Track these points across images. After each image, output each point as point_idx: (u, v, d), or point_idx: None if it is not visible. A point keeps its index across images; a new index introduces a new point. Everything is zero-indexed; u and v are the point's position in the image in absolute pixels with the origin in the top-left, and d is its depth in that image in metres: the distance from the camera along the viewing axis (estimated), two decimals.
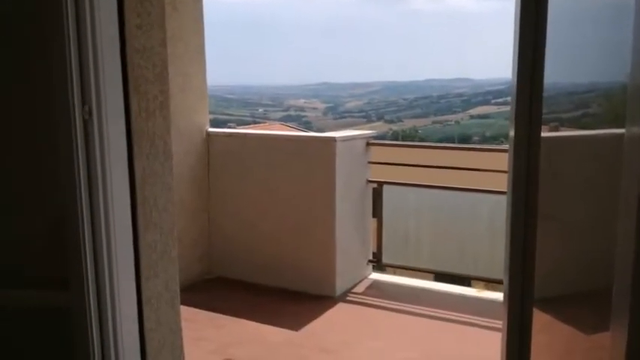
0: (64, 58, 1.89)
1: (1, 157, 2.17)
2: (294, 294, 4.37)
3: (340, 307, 4.23)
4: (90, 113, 1.95)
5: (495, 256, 3.95)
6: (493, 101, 36.99)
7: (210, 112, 4.98)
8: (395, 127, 35.00)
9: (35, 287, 2.05)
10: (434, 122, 37.72)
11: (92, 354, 1.93)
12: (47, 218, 2.17)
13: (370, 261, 4.86)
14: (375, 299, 4.38)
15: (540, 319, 2.05)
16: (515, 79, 1.85)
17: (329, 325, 3.92)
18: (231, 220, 4.80)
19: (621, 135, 1.23)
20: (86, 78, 1.94)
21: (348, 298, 4.41)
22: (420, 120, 37.48)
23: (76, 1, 1.88)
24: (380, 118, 37.90)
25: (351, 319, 4.10)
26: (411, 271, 4.92)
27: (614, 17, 1.46)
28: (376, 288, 4.63)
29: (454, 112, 38.49)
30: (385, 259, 4.83)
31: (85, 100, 1.95)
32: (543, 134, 1.84)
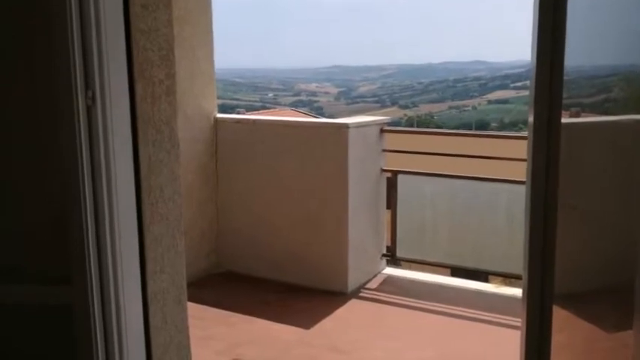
0: (67, 40, 1.86)
1: (0, 146, 2.15)
2: (304, 290, 4.36)
3: (353, 304, 4.22)
4: (93, 99, 1.93)
5: (514, 250, 3.91)
6: (512, 85, 36.68)
7: (218, 97, 4.95)
8: (410, 112, 34.84)
9: (36, 283, 2.04)
10: (450, 107, 37.51)
11: (95, 353, 1.92)
12: (48, 210, 2.15)
13: (384, 255, 4.83)
14: (389, 295, 4.36)
15: (561, 317, 2.03)
16: (535, 62, 1.81)
17: (341, 323, 3.90)
18: (239, 212, 4.79)
19: None
20: (89, 61, 1.91)
21: (361, 294, 4.39)
22: (435, 105, 37.28)
23: None
24: (394, 103, 37.74)
25: (364, 317, 4.08)
26: (426, 266, 4.89)
27: None
28: (390, 284, 4.60)
29: (471, 97, 38.24)
30: (399, 253, 4.80)
31: (88, 85, 1.92)
32: (564, 120, 1.81)
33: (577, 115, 1.91)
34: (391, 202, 4.84)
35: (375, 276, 4.70)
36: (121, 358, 1.95)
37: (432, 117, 34.66)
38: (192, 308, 2.43)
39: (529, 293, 1.97)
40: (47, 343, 2.12)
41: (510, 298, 4.12)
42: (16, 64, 2.12)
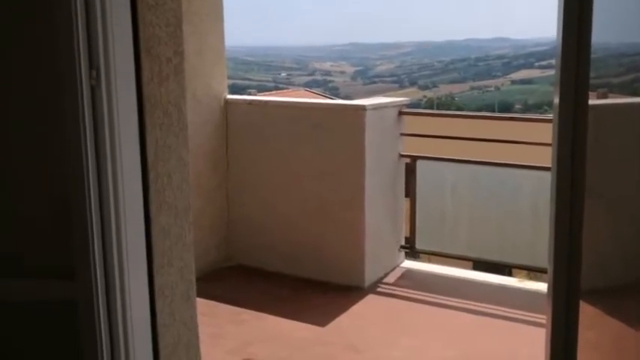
0: (70, 14, 1.81)
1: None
2: (319, 284, 4.31)
3: (370, 300, 4.18)
4: (98, 79, 1.89)
5: (539, 242, 3.86)
6: (536, 64, 36.22)
7: (228, 77, 4.91)
8: (429, 93, 34.56)
9: (37, 277, 2.02)
10: (472, 88, 37.16)
11: (100, 352, 1.90)
12: (50, 199, 2.12)
13: (402, 247, 4.79)
14: (409, 290, 4.32)
15: (589, 313, 1.99)
16: (560, 39, 1.75)
17: (358, 320, 3.87)
18: (251, 200, 4.74)
19: None
20: (94, 37, 1.87)
21: (378, 289, 4.34)
22: (456, 85, 36.93)
23: None
24: (413, 83, 37.44)
25: (382, 313, 4.04)
26: (446, 259, 4.84)
27: None
28: (409, 278, 4.56)
29: (494, 77, 37.84)
30: (419, 245, 4.76)
31: (92, 64, 1.88)
32: (591, 102, 1.76)
33: (605, 96, 1.87)
34: (410, 190, 4.78)
35: (393, 269, 4.65)
36: (127, 358, 1.93)
37: (453, 98, 34.40)
38: (201, 304, 2.40)
39: (554, 288, 1.93)
40: (49, 341, 2.10)
41: (535, 293, 4.07)
42: (16, 39, 2.07)
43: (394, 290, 4.33)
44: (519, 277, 4.85)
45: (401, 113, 4.70)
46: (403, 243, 4.78)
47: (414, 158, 4.74)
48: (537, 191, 4.30)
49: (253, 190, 4.74)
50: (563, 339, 1.98)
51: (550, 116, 2.40)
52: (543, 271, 3.71)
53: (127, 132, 1.98)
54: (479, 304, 4.01)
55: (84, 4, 1.83)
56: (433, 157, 4.80)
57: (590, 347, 2.13)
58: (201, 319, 2.33)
